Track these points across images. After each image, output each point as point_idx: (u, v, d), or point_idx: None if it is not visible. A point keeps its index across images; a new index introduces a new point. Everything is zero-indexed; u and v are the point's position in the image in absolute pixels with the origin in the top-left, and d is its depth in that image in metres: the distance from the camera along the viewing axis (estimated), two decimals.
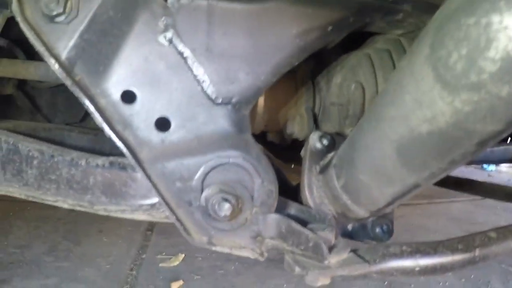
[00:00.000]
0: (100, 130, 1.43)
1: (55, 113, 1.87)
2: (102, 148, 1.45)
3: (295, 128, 1.33)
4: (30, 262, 1.94)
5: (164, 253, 2.13)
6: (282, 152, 1.74)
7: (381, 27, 1.11)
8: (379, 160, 0.77)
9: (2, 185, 0.98)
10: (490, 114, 0.52)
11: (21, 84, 1.74)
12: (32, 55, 1.63)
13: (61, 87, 1.72)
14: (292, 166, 1.75)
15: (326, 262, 0.88)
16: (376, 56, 1.23)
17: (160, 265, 2.00)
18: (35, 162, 0.95)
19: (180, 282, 1.83)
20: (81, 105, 1.99)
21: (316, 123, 1.33)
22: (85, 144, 1.46)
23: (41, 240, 2.19)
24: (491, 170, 5.91)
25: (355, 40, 1.24)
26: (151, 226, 2.47)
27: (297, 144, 1.46)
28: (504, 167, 5.86)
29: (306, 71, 1.35)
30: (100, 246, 2.18)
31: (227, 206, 0.83)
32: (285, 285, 1.88)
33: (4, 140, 0.97)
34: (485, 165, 5.87)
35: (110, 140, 1.47)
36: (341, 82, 1.28)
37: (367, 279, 1.99)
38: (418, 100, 0.60)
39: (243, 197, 0.86)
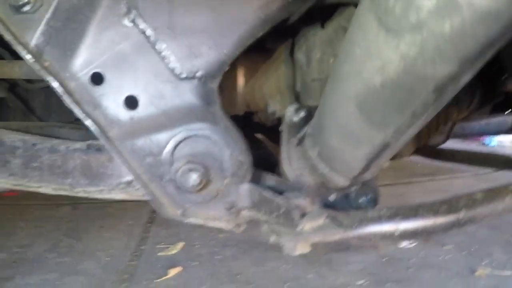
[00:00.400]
0: None
1: (49, 114, 1.89)
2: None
3: (277, 106, 1.34)
4: (32, 260, 1.96)
5: (163, 243, 2.15)
6: (275, 133, 1.75)
7: None
8: (344, 120, 0.77)
9: None
10: (437, 54, 0.51)
11: (13, 86, 1.77)
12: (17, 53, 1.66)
13: None
14: None
15: (299, 228, 0.89)
16: None
17: (159, 254, 2.03)
18: (19, 151, 0.98)
19: (179, 269, 1.85)
20: None
21: (298, 101, 1.33)
22: (77, 139, 1.49)
23: (43, 239, 2.22)
24: (494, 146, 5.85)
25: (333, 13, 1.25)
26: (151, 219, 2.50)
27: None
28: (507, 141, 5.77)
29: (285, 49, 1.36)
30: (101, 241, 2.20)
31: (194, 176, 0.84)
32: (283, 266, 1.89)
33: None
34: (487, 140, 5.82)
35: None
36: (321, 57, 1.28)
37: (364, 254, 2.00)
38: (367, 51, 0.60)
39: (212, 168, 0.88)
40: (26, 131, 1.40)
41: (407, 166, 3.74)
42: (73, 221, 2.49)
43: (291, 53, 1.37)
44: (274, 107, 1.33)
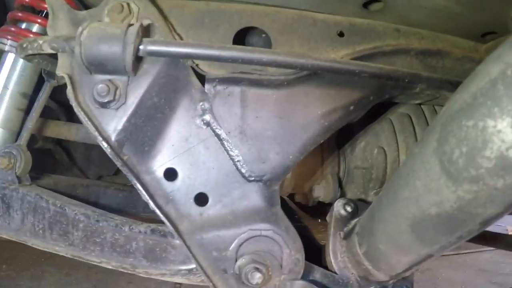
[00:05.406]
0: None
1: (89, 166, 1.97)
2: (136, 205, 1.55)
3: (321, 192, 1.40)
4: None
5: None
6: (309, 207, 1.79)
7: (401, 98, 1.20)
8: (396, 233, 0.84)
9: (49, 243, 1.07)
10: (489, 201, 0.60)
11: (59, 139, 1.85)
12: (71, 115, 1.75)
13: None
14: (319, 220, 1.79)
15: None
16: (397, 121, 1.32)
17: None
18: (81, 225, 1.04)
19: None
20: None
21: (341, 187, 1.40)
22: (120, 201, 1.56)
23: None
24: None
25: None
26: None
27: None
28: None
29: (331, 137, 1.43)
30: None
31: (258, 275, 0.91)
32: None
33: (52, 203, 1.06)
34: None
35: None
36: (365, 147, 1.36)
37: None
38: (427, 186, 0.69)
39: (273, 266, 0.94)
40: (73, 189, 1.49)
41: None
42: (102, 273, 2.50)
43: (337, 140, 1.45)
44: (318, 192, 1.39)
